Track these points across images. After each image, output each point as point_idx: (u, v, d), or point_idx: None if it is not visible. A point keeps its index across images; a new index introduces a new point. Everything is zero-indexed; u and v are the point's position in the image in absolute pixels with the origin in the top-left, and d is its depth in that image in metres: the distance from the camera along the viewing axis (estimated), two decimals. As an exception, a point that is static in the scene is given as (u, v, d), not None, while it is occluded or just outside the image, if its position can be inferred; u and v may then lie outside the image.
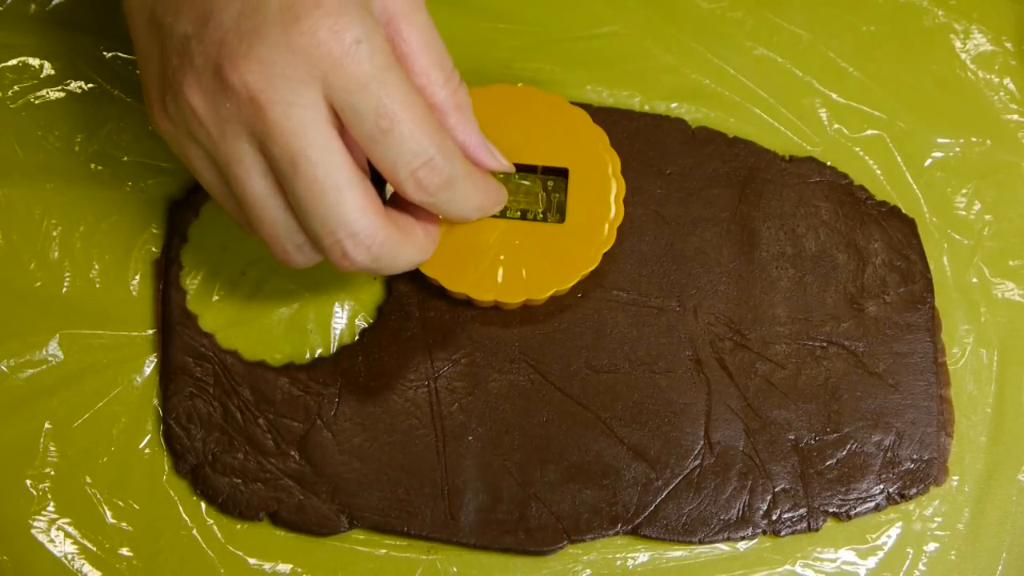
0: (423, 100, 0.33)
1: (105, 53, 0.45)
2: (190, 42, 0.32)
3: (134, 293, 0.42)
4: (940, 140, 0.46)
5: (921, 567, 0.40)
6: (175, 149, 0.34)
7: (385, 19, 0.33)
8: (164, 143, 0.44)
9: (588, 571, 0.40)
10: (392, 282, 0.42)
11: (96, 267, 0.42)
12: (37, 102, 0.45)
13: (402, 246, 0.34)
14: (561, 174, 0.41)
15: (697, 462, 0.40)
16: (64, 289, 0.42)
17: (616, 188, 0.41)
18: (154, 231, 0.43)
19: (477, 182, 0.36)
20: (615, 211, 0.41)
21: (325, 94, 0.31)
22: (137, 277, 0.42)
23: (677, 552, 0.40)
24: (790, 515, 0.40)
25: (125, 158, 0.44)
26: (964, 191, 0.45)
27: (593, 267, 0.40)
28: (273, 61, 0.31)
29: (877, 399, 0.41)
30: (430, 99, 0.34)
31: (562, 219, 0.41)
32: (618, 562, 0.40)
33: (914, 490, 0.40)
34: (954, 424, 0.41)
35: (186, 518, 0.40)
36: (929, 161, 0.45)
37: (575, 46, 0.46)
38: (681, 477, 0.40)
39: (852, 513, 0.40)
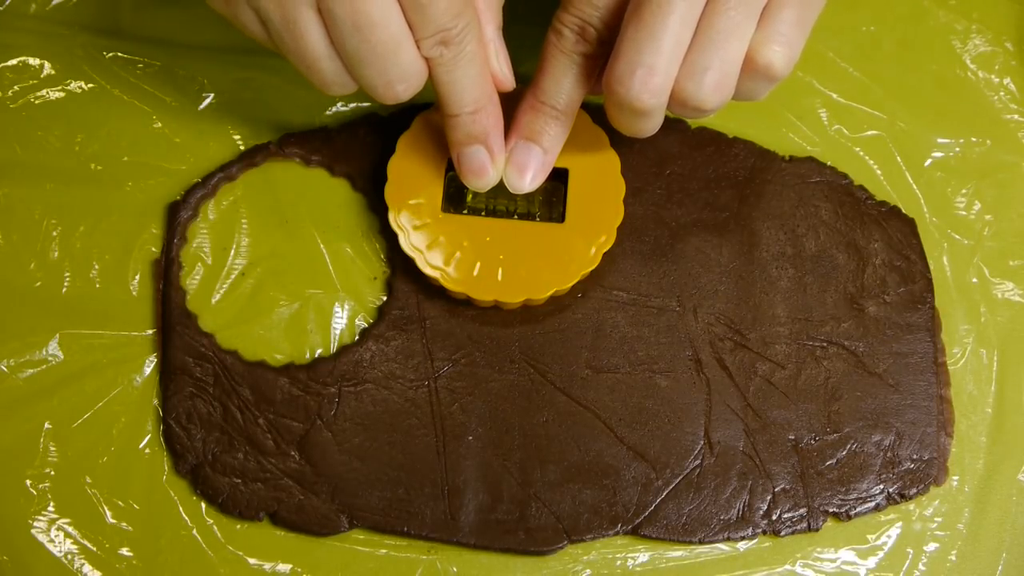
0: None
1: (105, 53, 0.45)
2: None
3: (134, 293, 0.42)
4: (940, 140, 0.46)
5: (921, 567, 0.40)
6: (223, 9, 0.35)
7: None
8: (162, 142, 0.44)
9: (588, 571, 0.40)
10: (392, 282, 0.42)
11: (96, 267, 0.42)
12: (37, 102, 0.45)
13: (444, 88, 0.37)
14: (561, 174, 0.41)
15: (697, 462, 0.40)
16: (64, 289, 0.42)
17: (616, 188, 0.41)
18: (154, 231, 0.43)
19: (484, 70, 0.37)
20: (615, 211, 0.41)
21: None
22: (137, 277, 0.42)
23: (677, 552, 0.40)
24: (790, 515, 0.40)
25: (125, 158, 0.44)
26: (964, 191, 0.45)
27: (593, 267, 0.40)
28: None
29: (877, 399, 0.41)
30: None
31: (562, 219, 0.41)
32: (618, 562, 0.40)
33: (914, 490, 0.40)
34: (954, 424, 0.41)
35: (186, 518, 0.40)
36: (929, 161, 0.45)
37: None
38: (681, 477, 0.40)
39: (852, 513, 0.40)
